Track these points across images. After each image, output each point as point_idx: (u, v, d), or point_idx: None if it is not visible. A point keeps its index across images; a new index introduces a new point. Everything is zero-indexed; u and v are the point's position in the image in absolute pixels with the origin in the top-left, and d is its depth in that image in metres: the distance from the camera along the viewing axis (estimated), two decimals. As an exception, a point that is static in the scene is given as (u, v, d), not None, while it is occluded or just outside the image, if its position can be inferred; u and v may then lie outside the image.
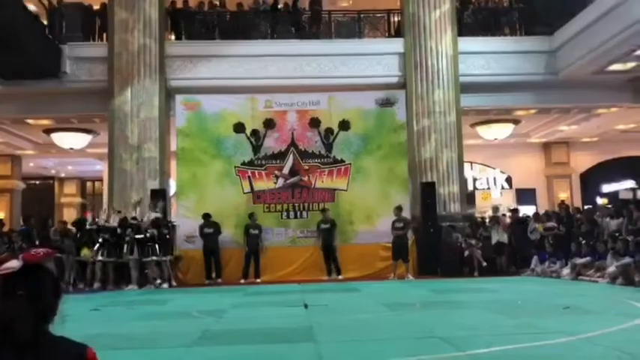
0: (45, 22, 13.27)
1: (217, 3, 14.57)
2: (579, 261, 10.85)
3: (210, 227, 12.11)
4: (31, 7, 12.96)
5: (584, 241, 11.11)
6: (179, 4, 14.10)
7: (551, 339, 4.75)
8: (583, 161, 19.73)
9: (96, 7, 13.86)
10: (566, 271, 11.07)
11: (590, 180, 19.57)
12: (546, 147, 19.58)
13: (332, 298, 8.69)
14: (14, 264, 1.45)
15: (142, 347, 5.18)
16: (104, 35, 13.44)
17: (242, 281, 11.76)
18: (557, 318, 5.97)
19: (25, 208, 18.24)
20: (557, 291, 8.92)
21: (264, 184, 13.01)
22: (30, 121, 14.36)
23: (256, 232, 12.15)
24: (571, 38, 12.96)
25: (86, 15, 13.72)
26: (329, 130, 13.23)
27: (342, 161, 13.17)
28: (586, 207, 16.00)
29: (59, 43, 12.93)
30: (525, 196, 19.02)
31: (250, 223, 12.22)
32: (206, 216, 12.15)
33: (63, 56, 12.86)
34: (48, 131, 15.20)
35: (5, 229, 11.46)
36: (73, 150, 16.01)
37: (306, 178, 13.04)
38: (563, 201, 17.14)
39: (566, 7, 13.48)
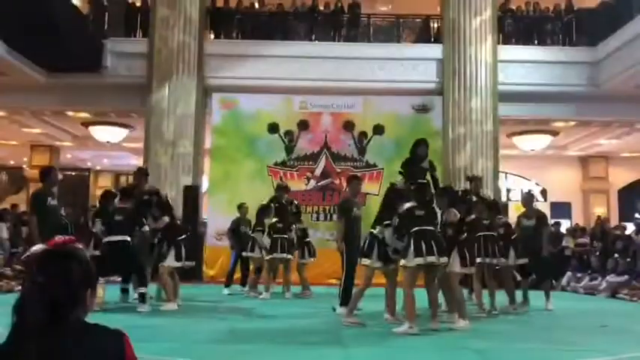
0: (89, 17, 13.54)
1: (257, 4, 14.68)
2: (616, 279, 10.55)
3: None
4: (76, 1, 13.25)
5: (622, 260, 10.80)
6: (219, 3, 14.24)
7: (589, 357, 4.59)
8: (622, 177, 19.20)
9: (138, 3, 14.10)
10: (602, 288, 10.77)
11: (629, 196, 19.03)
12: (584, 161, 19.14)
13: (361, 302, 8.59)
14: (37, 248, 1.44)
15: (169, 341, 5.19)
16: (144, 32, 13.66)
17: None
18: (594, 336, 5.78)
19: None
20: (592, 308, 8.66)
21: (295, 184, 12.98)
22: (70, 113, 14.67)
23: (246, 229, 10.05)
24: (615, 50, 12.62)
25: (128, 11, 13.98)
26: (363, 134, 13.15)
27: (375, 166, 13.08)
28: (621, 224, 15.57)
29: (101, 38, 13.18)
30: (560, 209, 18.60)
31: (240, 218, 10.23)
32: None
33: (104, 51, 13.08)
34: (86, 124, 15.51)
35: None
36: (110, 143, 16.29)
37: (337, 181, 12.99)
38: (599, 216, 16.73)
39: (611, 18, 13.16)
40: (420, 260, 5.65)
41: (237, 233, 9.95)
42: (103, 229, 7.39)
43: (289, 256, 9.18)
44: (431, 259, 5.62)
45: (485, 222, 7.35)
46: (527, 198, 8.58)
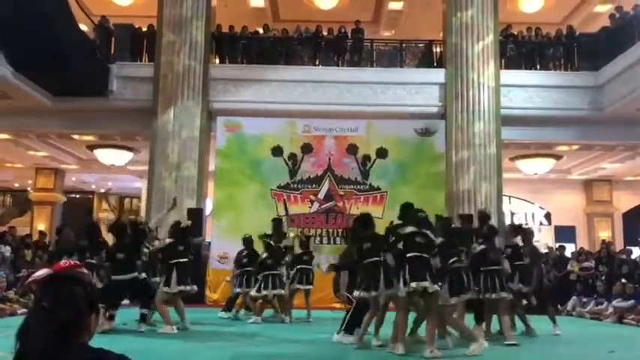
0: (96, 42, 13.71)
1: (261, 30, 14.87)
2: (622, 304, 10.45)
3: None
4: (83, 27, 13.44)
5: (628, 284, 10.71)
6: (224, 29, 14.43)
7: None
8: (626, 200, 19.15)
9: (144, 28, 14.30)
10: (608, 313, 10.66)
11: (634, 220, 18.95)
12: (587, 184, 19.11)
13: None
14: (42, 273, 1.44)
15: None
16: (150, 56, 13.82)
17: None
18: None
19: (64, 222, 18.64)
20: (599, 333, 8.55)
21: (299, 207, 13.00)
22: (75, 136, 14.76)
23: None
24: (617, 74, 12.71)
25: (134, 36, 14.16)
26: (366, 157, 13.20)
27: (378, 189, 13.09)
28: (626, 248, 15.49)
29: (107, 62, 13.33)
30: (564, 233, 18.53)
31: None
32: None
33: (110, 75, 13.22)
34: (91, 147, 15.60)
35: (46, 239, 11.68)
36: (114, 166, 16.36)
37: (341, 204, 12.99)
38: (603, 240, 16.64)
39: (612, 43, 13.28)
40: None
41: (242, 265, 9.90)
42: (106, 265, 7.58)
43: (281, 291, 9.11)
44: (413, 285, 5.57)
45: (492, 256, 6.99)
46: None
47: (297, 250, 9.68)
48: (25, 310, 9.05)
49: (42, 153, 16.70)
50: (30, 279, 1.46)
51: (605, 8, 15.79)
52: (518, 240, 7.99)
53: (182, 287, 7.61)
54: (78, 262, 1.52)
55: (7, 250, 11.49)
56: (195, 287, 8.00)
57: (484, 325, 7.21)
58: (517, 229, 8.28)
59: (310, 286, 9.54)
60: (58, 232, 11.35)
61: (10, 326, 1.47)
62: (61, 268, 1.46)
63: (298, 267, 9.45)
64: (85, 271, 1.52)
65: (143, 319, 7.39)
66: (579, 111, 13.42)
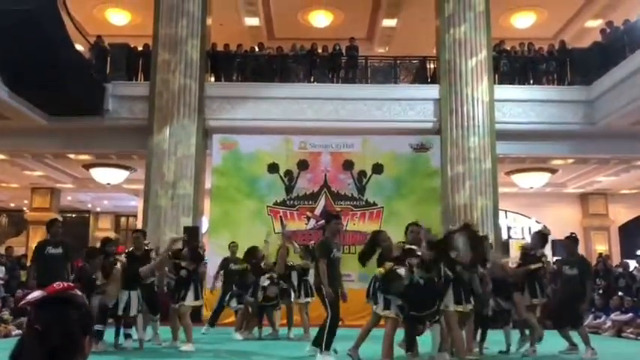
0: (92, 61, 13.77)
1: (257, 47, 14.98)
2: (620, 317, 10.43)
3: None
4: (79, 47, 13.51)
5: (626, 297, 10.70)
6: (219, 47, 14.53)
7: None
8: (622, 213, 19.21)
9: (140, 48, 14.39)
10: (606, 327, 10.64)
11: (630, 233, 18.99)
12: (583, 198, 19.17)
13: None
14: (35, 295, 1.43)
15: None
16: (146, 75, 13.89)
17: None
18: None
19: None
20: (597, 348, 8.50)
21: (295, 224, 12.98)
22: (71, 156, 14.77)
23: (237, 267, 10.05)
24: (610, 88, 12.82)
25: (130, 55, 14.24)
26: (362, 173, 13.24)
27: (375, 204, 13.10)
28: (623, 261, 15.50)
29: (103, 81, 13.39)
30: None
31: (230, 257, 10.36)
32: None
33: (106, 94, 13.27)
34: (87, 166, 15.60)
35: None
36: (110, 185, 16.34)
37: (337, 220, 12.95)
38: (601, 254, 16.66)
39: (604, 57, 13.43)
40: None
41: (227, 272, 9.98)
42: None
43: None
44: None
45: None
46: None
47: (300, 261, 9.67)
48: (19, 331, 8.98)
49: (38, 173, 16.69)
50: (23, 301, 1.45)
51: (596, 23, 16.02)
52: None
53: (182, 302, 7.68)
54: (71, 284, 1.51)
55: (0, 271, 11.42)
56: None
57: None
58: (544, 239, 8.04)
59: (308, 299, 9.33)
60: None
61: (4, 348, 1.46)
62: (54, 291, 1.44)
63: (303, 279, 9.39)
64: (79, 292, 1.51)
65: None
66: (573, 125, 13.51)
